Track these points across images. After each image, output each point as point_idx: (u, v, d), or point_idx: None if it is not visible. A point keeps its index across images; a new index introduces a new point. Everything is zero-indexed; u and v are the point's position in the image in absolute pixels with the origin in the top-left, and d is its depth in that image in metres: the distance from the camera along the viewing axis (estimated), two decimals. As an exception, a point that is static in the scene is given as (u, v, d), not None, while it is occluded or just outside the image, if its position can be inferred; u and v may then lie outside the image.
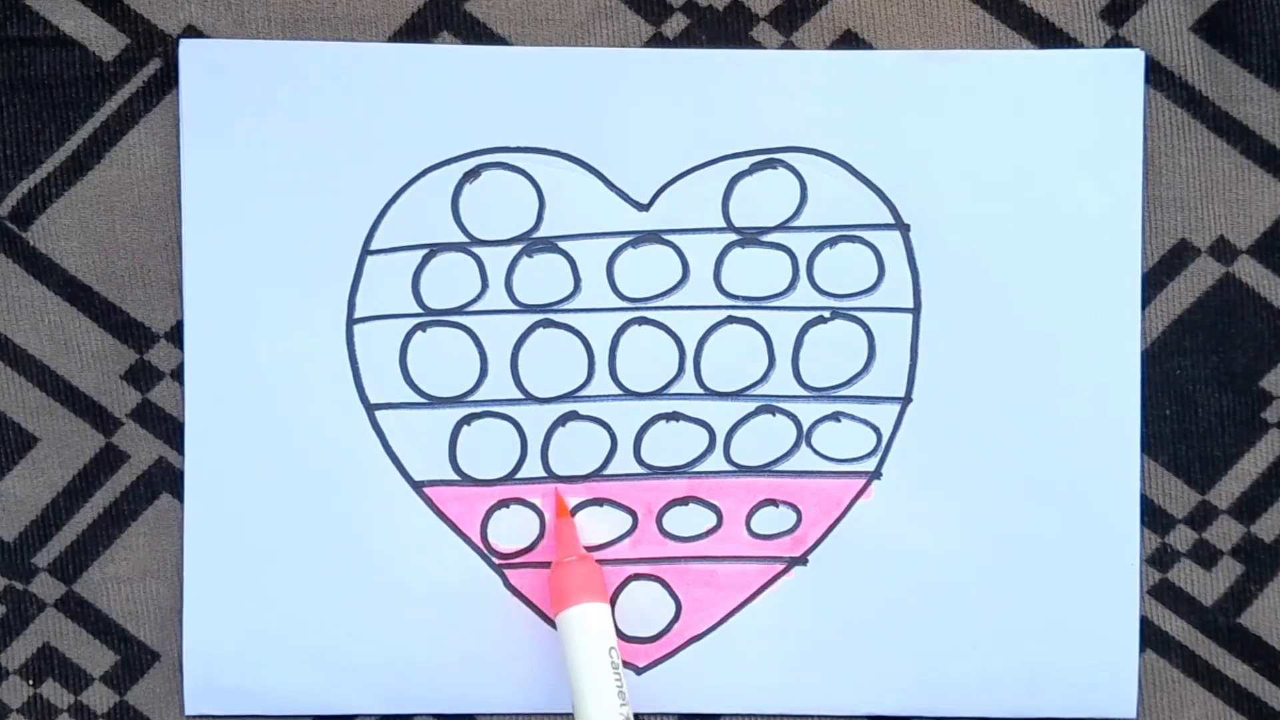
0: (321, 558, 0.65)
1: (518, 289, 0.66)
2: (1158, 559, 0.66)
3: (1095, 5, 0.66)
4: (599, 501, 0.66)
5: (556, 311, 0.66)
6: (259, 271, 0.65)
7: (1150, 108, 0.65)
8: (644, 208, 0.65)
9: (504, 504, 0.66)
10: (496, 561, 0.66)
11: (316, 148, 0.65)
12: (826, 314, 0.65)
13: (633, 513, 0.66)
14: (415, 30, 0.66)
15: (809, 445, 0.66)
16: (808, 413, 0.66)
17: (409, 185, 0.65)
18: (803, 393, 0.65)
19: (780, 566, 0.66)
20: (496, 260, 0.66)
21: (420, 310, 0.66)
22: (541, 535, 0.66)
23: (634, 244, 0.65)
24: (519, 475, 0.66)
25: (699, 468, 0.66)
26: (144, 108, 0.66)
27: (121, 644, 0.66)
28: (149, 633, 0.66)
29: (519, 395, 0.66)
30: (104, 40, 0.66)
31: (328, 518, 0.65)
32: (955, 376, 0.65)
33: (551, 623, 0.65)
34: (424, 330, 0.66)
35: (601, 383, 0.66)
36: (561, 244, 0.65)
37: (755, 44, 0.66)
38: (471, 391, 0.66)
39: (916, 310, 0.65)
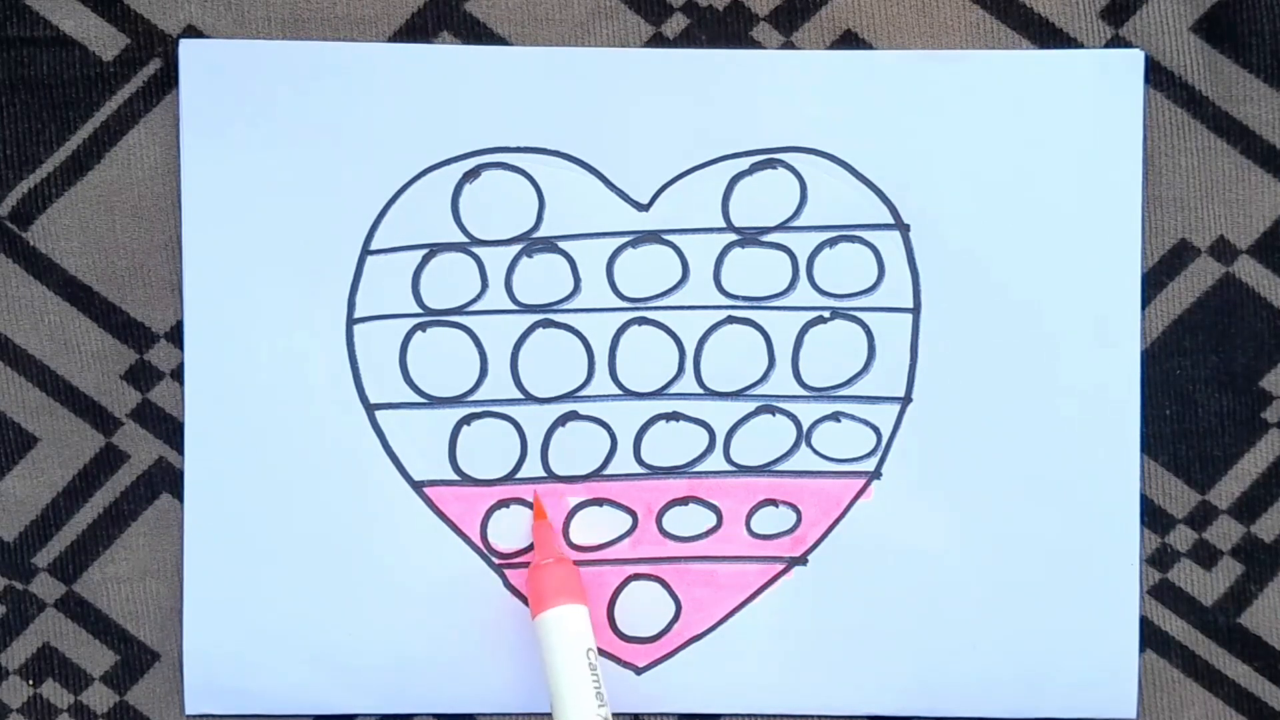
0: (321, 558, 0.65)
1: (518, 289, 0.66)
2: (1158, 559, 0.66)
3: (1095, 5, 0.66)
4: (599, 501, 0.66)
5: (556, 311, 0.66)
6: (259, 271, 0.65)
7: (1150, 108, 0.65)
8: (644, 208, 0.65)
9: (504, 504, 0.66)
10: (496, 561, 0.66)
11: (316, 148, 0.65)
12: (826, 314, 0.65)
13: (633, 513, 0.66)
14: (415, 30, 0.66)
15: (809, 445, 0.66)
16: (808, 413, 0.66)
17: (409, 185, 0.65)
18: (803, 393, 0.65)
19: (780, 566, 0.66)
20: (496, 260, 0.66)
21: (420, 310, 0.66)
22: (541, 535, 0.66)
23: (634, 244, 0.65)
24: (519, 475, 0.66)
25: (699, 468, 0.66)
26: (144, 108, 0.66)
27: (121, 644, 0.66)
28: (149, 633, 0.66)
29: (519, 395, 0.66)
30: (104, 40, 0.66)
31: (328, 518, 0.65)
32: (955, 376, 0.65)
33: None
34: (424, 330, 0.66)
35: (601, 383, 0.66)
36: (561, 244, 0.65)
37: (755, 44, 0.66)
38: (471, 391, 0.66)
39: (916, 310, 0.65)
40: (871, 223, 0.65)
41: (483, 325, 0.66)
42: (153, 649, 0.66)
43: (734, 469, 0.66)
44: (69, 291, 0.66)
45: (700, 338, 0.65)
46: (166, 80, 0.65)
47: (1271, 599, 0.66)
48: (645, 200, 0.65)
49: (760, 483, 0.66)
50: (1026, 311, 0.65)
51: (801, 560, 0.66)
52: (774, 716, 0.66)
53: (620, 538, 0.66)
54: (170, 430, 0.66)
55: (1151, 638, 0.66)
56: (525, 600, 0.66)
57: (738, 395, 0.66)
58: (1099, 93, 0.65)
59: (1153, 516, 0.66)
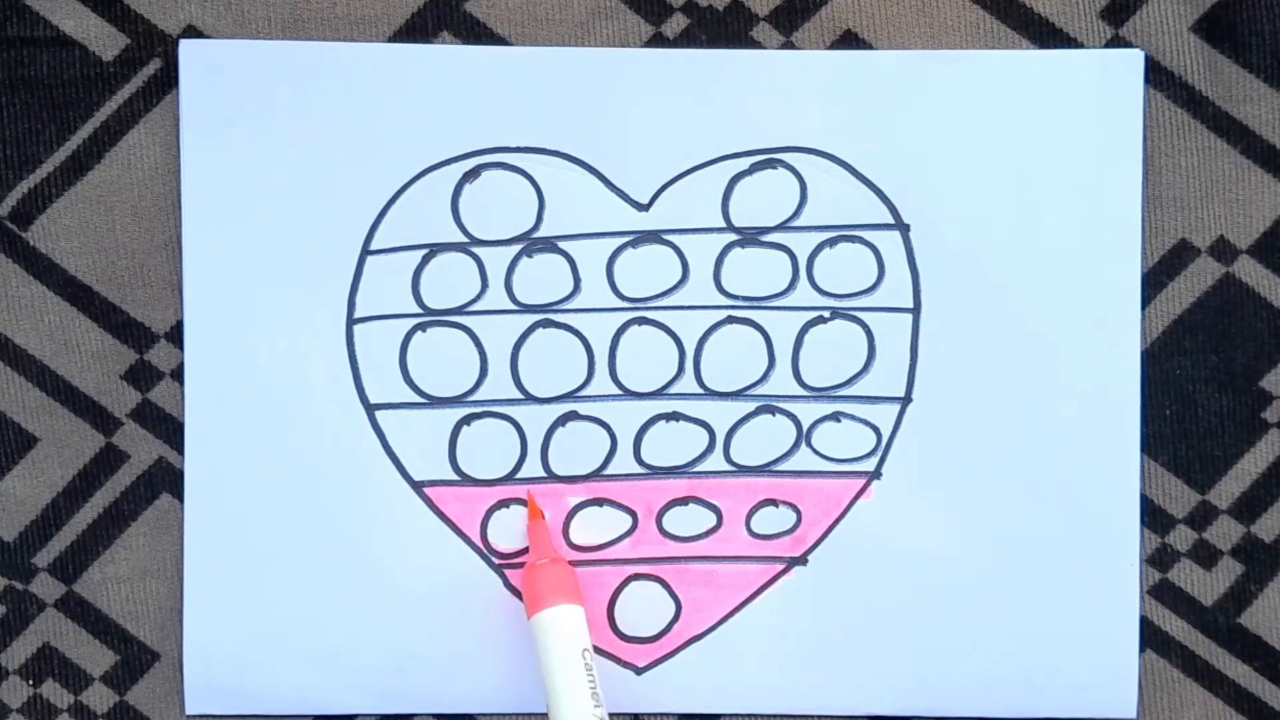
0: (321, 558, 0.65)
1: (518, 289, 0.66)
2: (1158, 559, 0.66)
3: (1095, 5, 0.66)
4: (599, 501, 0.66)
5: (556, 311, 0.66)
6: (259, 271, 0.65)
7: (1150, 108, 0.65)
8: (644, 208, 0.65)
9: (504, 504, 0.66)
10: (496, 561, 0.66)
11: (316, 148, 0.65)
12: (826, 314, 0.65)
13: (633, 513, 0.66)
14: (415, 30, 0.66)
15: (809, 445, 0.66)
16: (808, 413, 0.66)
17: (409, 185, 0.65)
18: (803, 393, 0.65)
19: (780, 566, 0.66)
20: (496, 260, 0.66)
21: (420, 310, 0.66)
22: (541, 535, 0.66)
23: (634, 244, 0.65)
24: (519, 475, 0.66)
25: (699, 468, 0.66)
26: (144, 108, 0.66)
27: (121, 644, 0.66)
28: (149, 633, 0.66)
29: (519, 395, 0.66)
30: (104, 40, 0.66)
31: (328, 518, 0.65)
32: (955, 376, 0.65)
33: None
34: (424, 330, 0.66)
35: (601, 383, 0.66)
36: (561, 244, 0.65)
37: (755, 44, 0.66)
38: (471, 391, 0.66)
39: (916, 310, 0.65)
40: (871, 223, 0.65)
41: (483, 325, 0.66)
42: (153, 649, 0.66)
43: (734, 469, 0.66)
44: (69, 291, 0.66)
45: (700, 338, 0.65)
46: (166, 80, 0.65)
47: (1271, 599, 0.66)
48: (645, 200, 0.65)
49: (760, 483, 0.66)
50: (1026, 311, 0.65)
51: (801, 560, 0.66)
52: (774, 716, 0.66)
53: (620, 538, 0.66)
54: (170, 430, 0.66)
55: (1151, 638, 0.66)
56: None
57: (738, 395, 0.66)
58: (1099, 93, 0.65)
59: (1153, 516, 0.66)
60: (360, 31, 0.65)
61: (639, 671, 0.66)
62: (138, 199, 0.66)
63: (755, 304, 0.65)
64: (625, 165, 0.65)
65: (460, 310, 0.66)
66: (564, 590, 0.63)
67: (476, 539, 0.66)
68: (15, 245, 0.66)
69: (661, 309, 0.66)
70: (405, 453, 0.65)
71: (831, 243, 0.65)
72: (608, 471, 0.66)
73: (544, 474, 0.66)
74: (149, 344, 0.66)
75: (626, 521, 0.66)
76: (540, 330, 0.66)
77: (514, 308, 0.66)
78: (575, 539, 0.66)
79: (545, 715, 0.65)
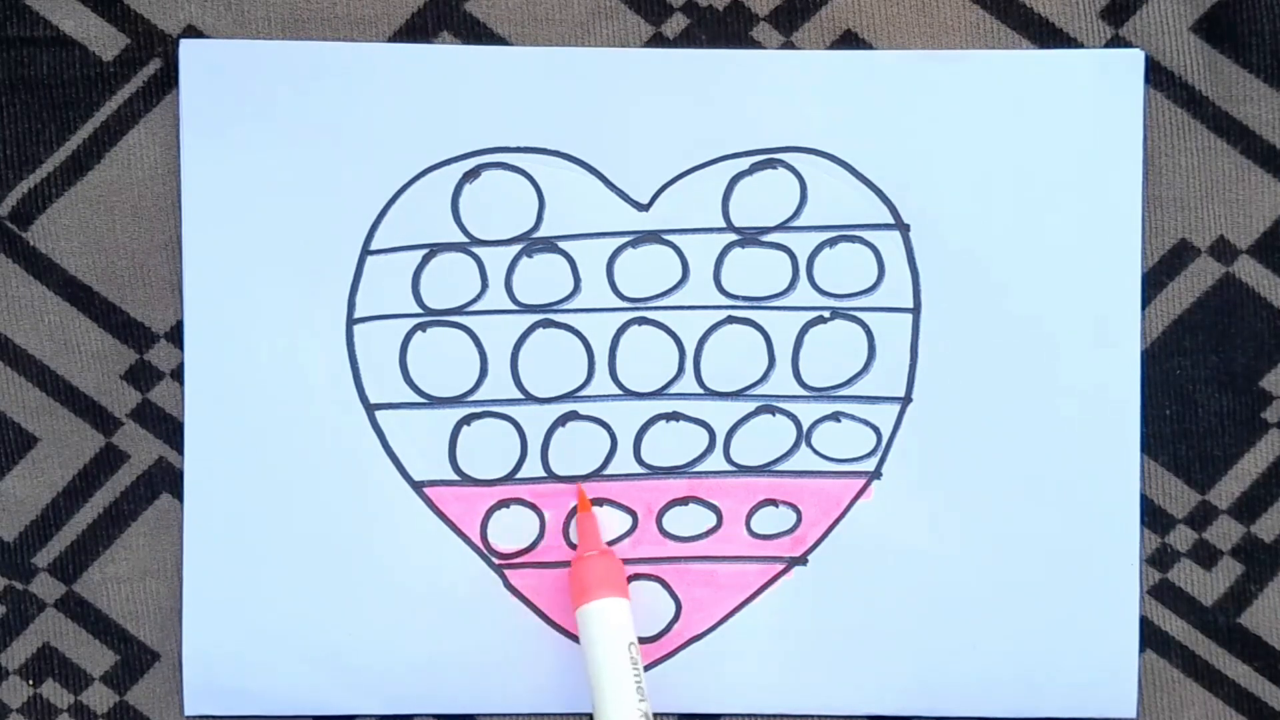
0: (321, 558, 0.65)
1: (518, 289, 0.66)
2: (1158, 559, 0.66)
3: (1095, 5, 0.66)
4: (599, 501, 0.66)
5: (556, 311, 0.66)
6: (259, 271, 0.65)
7: (1150, 108, 0.65)
8: (644, 208, 0.65)
9: (504, 504, 0.66)
10: (496, 562, 0.66)
11: (316, 148, 0.65)
12: (826, 314, 0.65)
13: (633, 513, 0.66)
14: (415, 30, 0.66)
15: (809, 445, 0.66)
16: (808, 413, 0.66)
17: (409, 185, 0.65)
18: (803, 393, 0.65)
19: (780, 566, 0.66)
20: (496, 260, 0.66)
21: (420, 310, 0.66)
22: (541, 536, 0.66)
23: (634, 244, 0.65)
24: (519, 475, 0.66)
25: (699, 468, 0.66)
26: (144, 108, 0.66)
27: (121, 644, 0.66)
28: (149, 633, 0.66)
29: (519, 395, 0.66)
30: (104, 40, 0.66)
31: (328, 518, 0.65)
32: (955, 376, 0.65)
33: (551, 623, 0.65)
34: (424, 330, 0.66)
35: (601, 383, 0.66)
36: (561, 244, 0.65)
37: (755, 44, 0.66)
38: (471, 391, 0.66)
39: (916, 310, 0.65)
40: (871, 223, 0.65)
41: (483, 325, 0.66)
42: (153, 649, 0.66)
43: (734, 469, 0.66)
44: (69, 291, 0.66)
45: (700, 338, 0.65)
46: (166, 80, 0.65)
47: (1271, 599, 0.66)
48: (645, 200, 0.65)
49: (760, 483, 0.66)
50: (1026, 311, 0.65)
51: (801, 560, 0.66)
52: (774, 716, 0.66)
53: (620, 538, 0.66)
54: (170, 430, 0.66)
55: (1151, 638, 0.66)
56: (525, 601, 0.66)
57: (738, 395, 0.65)
58: (1099, 93, 0.65)
59: (1153, 516, 0.66)
60: (360, 31, 0.65)
61: (639, 671, 0.66)
62: (138, 199, 0.66)
63: (755, 304, 0.65)
64: (625, 165, 0.65)
65: (460, 310, 0.66)
66: (612, 583, 0.63)
67: (476, 539, 0.66)
68: (15, 245, 0.66)
69: (661, 309, 0.66)
70: (405, 453, 0.65)
71: (831, 243, 0.65)
72: (608, 471, 0.66)
73: (544, 474, 0.66)
74: (149, 344, 0.66)
75: (626, 521, 0.66)
76: (540, 330, 0.66)
77: (514, 308, 0.66)
78: (575, 539, 0.66)
79: (546, 715, 0.65)
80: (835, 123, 0.65)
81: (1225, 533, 0.66)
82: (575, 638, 0.65)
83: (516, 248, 0.66)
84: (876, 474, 0.65)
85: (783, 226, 0.66)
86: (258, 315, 0.65)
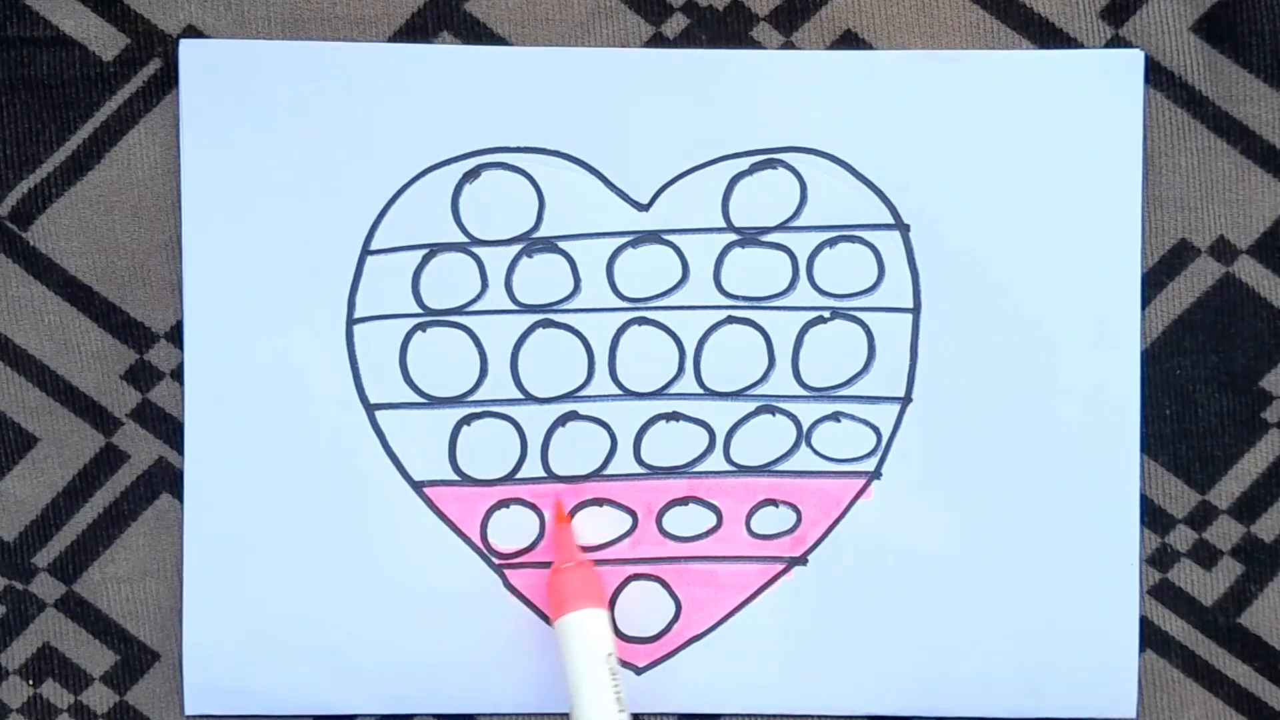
0: (321, 558, 0.65)
1: (518, 289, 0.66)
2: (1158, 559, 0.66)
3: (1095, 5, 0.66)
4: (599, 501, 0.66)
5: (556, 311, 0.66)
6: (259, 271, 0.65)
7: (1150, 108, 0.65)
8: (644, 208, 0.65)
9: (504, 504, 0.66)
10: (496, 562, 0.66)
11: (316, 148, 0.65)
12: (826, 314, 0.65)
13: (633, 513, 0.66)
14: (415, 30, 0.66)
15: (809, 445, 0.66)
16: (808, 413, 0.66)
17: (409, 185, 0.65)
18: (803, 393, 0.65)
19: (780, 566, 0.66)
20: (496, 260, 0.66)
21: (420, 310, 0.66)
22: (541, 535, 0.66)
23: (634, 244, 0.65)
24: (519, 475, 0.66)
25: (699, 468, 0.66)
26: (144, 108, 0.66)
27: (121, 644, 0.66)
28: (149, 633, 0.66)
29: (519, 395, 0.66)
30: (104, 40, 0.66)
31: (328, 518, 0.65)
32: (955, 376, 0.65)
33: (551, 623, 0.65)
34: (424, 330, 0.66)
35: (601, 383, 0.66)
36: (561, 244, 0.65)
37: (755, 44, 0.66)
38: (471, 391, 0.66)
39: (916, 310, 0.65)
40: (871, 223, 0.65)
41: (483, 325, 0.66)
42: (153, 649, 0.66)
43: (734, 469, 0.66)
44: (69, 291, 0.66)
45: (700, 338, 0.65)
46: (166, 80, 0.65)
47: (1271, 599, 0.66)
48: (645, 200, 0.65)
49: (760, 483, 0.66)
50: (1026, 311, 0.65)
51: (801, 560, 0.66)
52: (774, 716, 0.66)
53: (620, 538, 0.66)
54: (170, 430, 0.66)
55: (1151, 638, 0.66)
56: (525, 600, 0.66)
57: (738, 395, 0.65)
58: (1099, 93, 0.65)
59: (1153, 516, 0.66)
60: (360, 31, 0.65)
61: (639, 671, 0.66)
62: (138, 199, 0.66)
63: (755, 304, 0.65)
64: (625, 165, 0.65)
65: (460, 310, 0.66)
66: (589, 594, 0.63)
67: (476, 539, 0.66)
68: (15, 245, 0.66)
69: (661, 309, 0.66)
70: (405, 453, 0.65)
71: (831, 243, 0.65)
72: (608, 471, 0.66)
73: (544, 474, 0.66)
74: (149, 344, 0.66)
75: (626, 521, 0.66)
76: (540, 330, 0.66)
77: (514, 308, 0.66)
78: (576, 539, 0.66)
79: (546, 715, 0.65)
80: (835, 123, 0.65)
81: (1225, 533, 0.66)
82: (575, 638, 0.65)
83: (516, 248, 0.66)
84: (876, 474, 0.65)
85: (783, 226, 0.66)
86: (258, 315, 0.65)
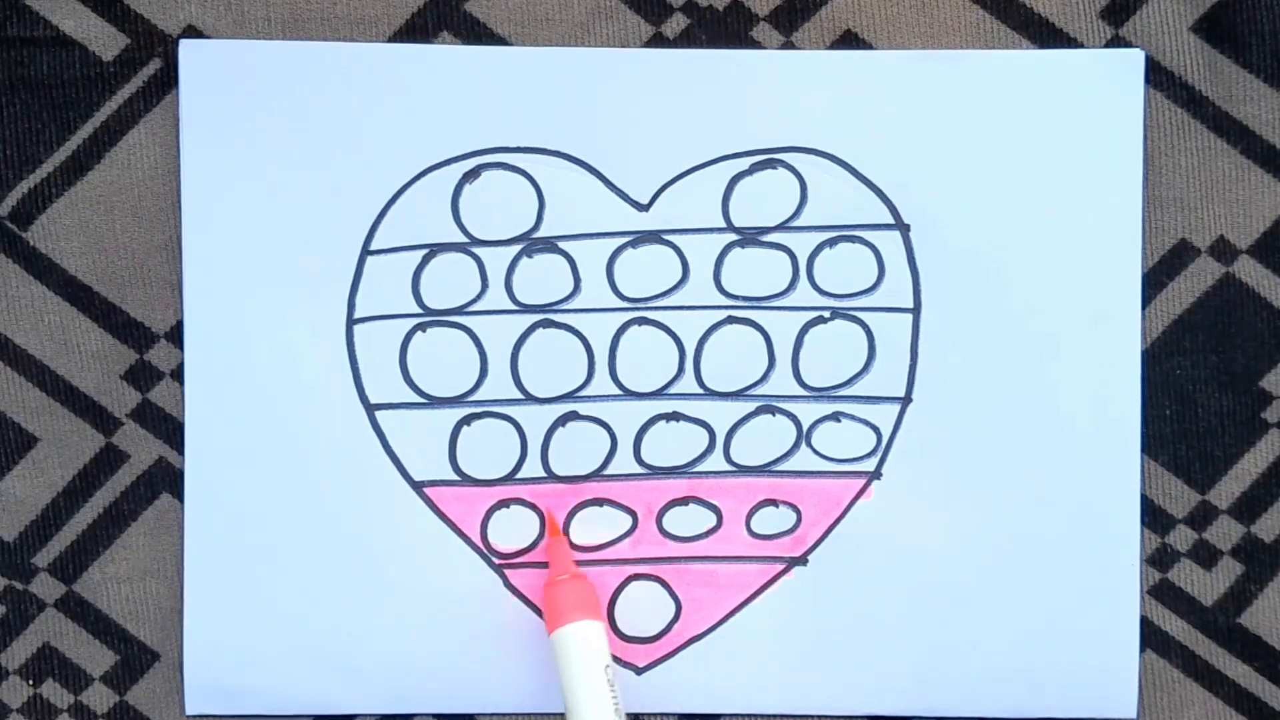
0: (322, 558, 0.65)
1: (518, 289, 0.66)
2: (1158, 559, 0.66)
3: (1095, 5, 0.66)
4: (599, 502, 0.66)
5: (556, 311, 0.66)
6: (259, 271, 0.65)
7: (1150, 108, 0.65)
8: (644, 208, 0.65)
9: (504, 504, 0.66)
10: (496, 562, 0.66)
11: (316, 148, 0.65)
12: (826, 314, 0.65)
13: (633, 513, 0.66)
14: (415, 30, 0.66)
15: (809, 445, 0.66)
16: (808, 413, 0.66)
17: (409, 185, 0.65)
18: (803, 393, 0.65)
19: (780, 566, 0.66)
20: (496, 260, 0.66)
21: (420, 310, 0.66)
22: (541, 536, 0.66)
23: (634, 244, 0.65)
24: (519, 475, 0.66)
25: (699, 468, 0.66)
26: (144, 108, 0.66)
27: (121, 644, 0.66)
28: (149, 633, 0.66)
29: (519, 395, 0.66)
30: (104, 40, 0.66)
31: (328, 518, 0.65)
32: (955, 376, 0.65)
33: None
34: (424, 330, 0.66)
35: (601, 383, 0.66)
36: (561, 244, 0.65)
37: (755, 44, 0.66)
38: (471, 391, 0.66)
39: (916, 310, 0.65)
40: (871, 223, 0.65)
41: (483, 325, 0.66)
42: (153, 649, 0.66)
43: (734, 469, 0.66)
44: (69, 291, 0.66)
45: (700, 338, 0.65)
46: (166, 80, 0.65)
47: (1271, 599, 0.66)
48: (645, 200, 0.65)
49: (760, 483, 0.66)
50: (1026, 311, 0.65)
51: (801, 560, 0.66)
52: (774, 716, 0.66)
53: (620, 538, 0.66)
54: (170, 430, 0.66)
55: (1151, 638, 0.66)
56: (525, 600, 0.66)
57: (738, 395, 0.65)
58: (1099, 93, 0.65)
59: (1153, 516, 0.66)
60: (360, 31, 0.65)
61: (639, 671, 0.66)
62: (138, 199, 0.66)
63: (755, 304, 0.65)
64: (625, 165, 0.65)
65: (460, 310, 0.66)
66: (585, 606, 0.63)
67: (476, 539, 0.66)
68: (15, 245, 0.66)
69: (661, 309, 0.66)
70: (405, 453, 0.65)
71: (831, 243, 0.65)
72: (608, 471, 0.66)
73: (544, 474, 0.66)
74: (149, 344, 0.66)
75: (626, 521, 0.66)
76: (540, 330, 0.66)
77: (514, 308, 0.66)
78: (575, 539, 0.66)
79: (546, 715, 0.65)
80: (835, 123, 0.65)
81: (1225, 533, 0.66)
82: (575, 638, 0.65)
83: (516, 248, 0.66)
84: (876, 474, 0.65)
85: (783, 226, 0.66)
86: (258, 315, 0.65)
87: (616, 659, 0.66)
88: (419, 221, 0.65)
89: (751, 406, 0.66)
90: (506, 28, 0.66)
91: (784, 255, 0.65)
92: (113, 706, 0.66)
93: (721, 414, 0.66)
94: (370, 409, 0.65)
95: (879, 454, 0.65)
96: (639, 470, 0.66)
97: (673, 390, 0.66)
